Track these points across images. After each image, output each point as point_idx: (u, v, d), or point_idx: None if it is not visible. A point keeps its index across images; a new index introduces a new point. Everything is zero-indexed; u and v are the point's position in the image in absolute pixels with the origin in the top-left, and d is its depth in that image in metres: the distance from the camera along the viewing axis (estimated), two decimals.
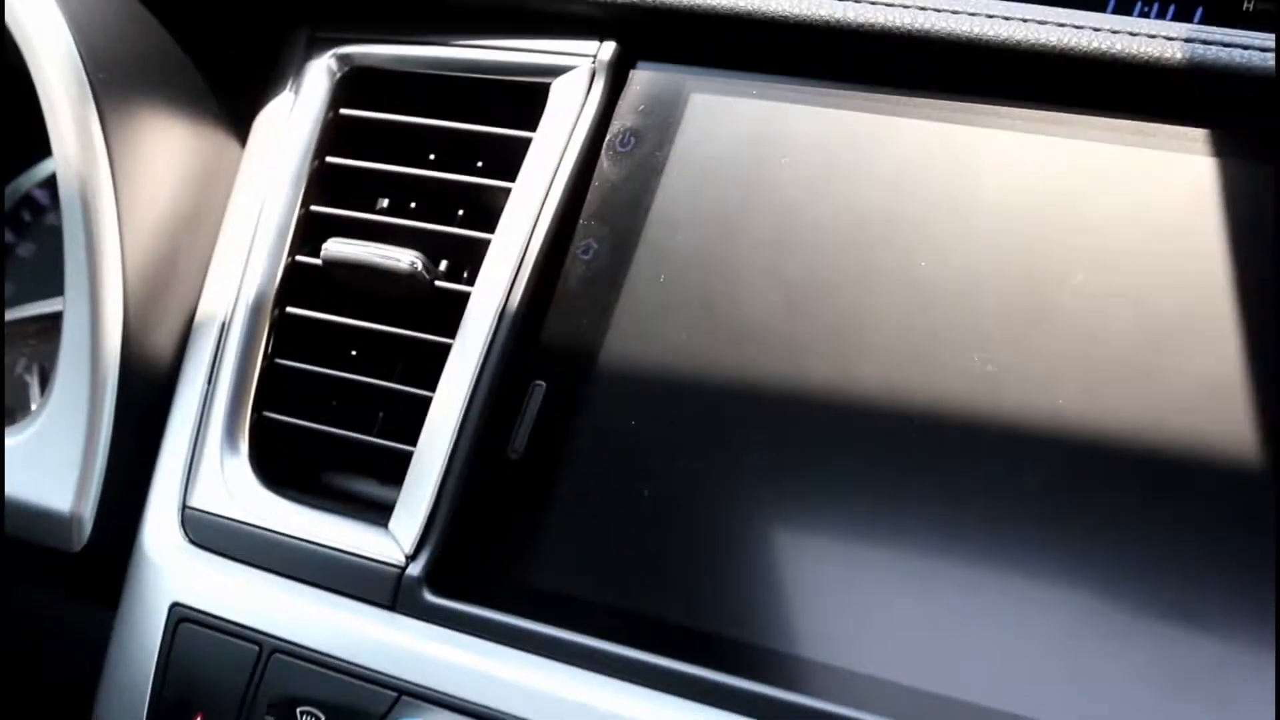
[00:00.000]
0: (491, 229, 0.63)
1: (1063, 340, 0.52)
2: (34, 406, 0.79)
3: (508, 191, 0.63)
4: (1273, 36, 0.52)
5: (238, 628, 0.62)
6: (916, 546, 0.52)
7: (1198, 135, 0.53)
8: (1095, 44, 0.54)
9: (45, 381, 0.80)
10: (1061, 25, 0.56)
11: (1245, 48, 0.52)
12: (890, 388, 0.54)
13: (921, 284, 0.55)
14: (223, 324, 0.68)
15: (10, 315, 0.85)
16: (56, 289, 0.69)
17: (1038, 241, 0.54)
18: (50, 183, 0.88)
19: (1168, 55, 0.53)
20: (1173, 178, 0.53)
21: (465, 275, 0.67)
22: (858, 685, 0.51)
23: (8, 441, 0.67)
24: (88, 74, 0.66)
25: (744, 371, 0.57)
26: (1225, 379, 0.49)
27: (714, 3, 0.61)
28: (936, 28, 0.57)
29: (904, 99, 0.60)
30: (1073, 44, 0.54)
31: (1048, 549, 0.50)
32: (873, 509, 0.53)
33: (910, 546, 0.52)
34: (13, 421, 0.70)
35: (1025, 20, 0.56)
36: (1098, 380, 0.51)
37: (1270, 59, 0.51)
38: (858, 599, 0.52)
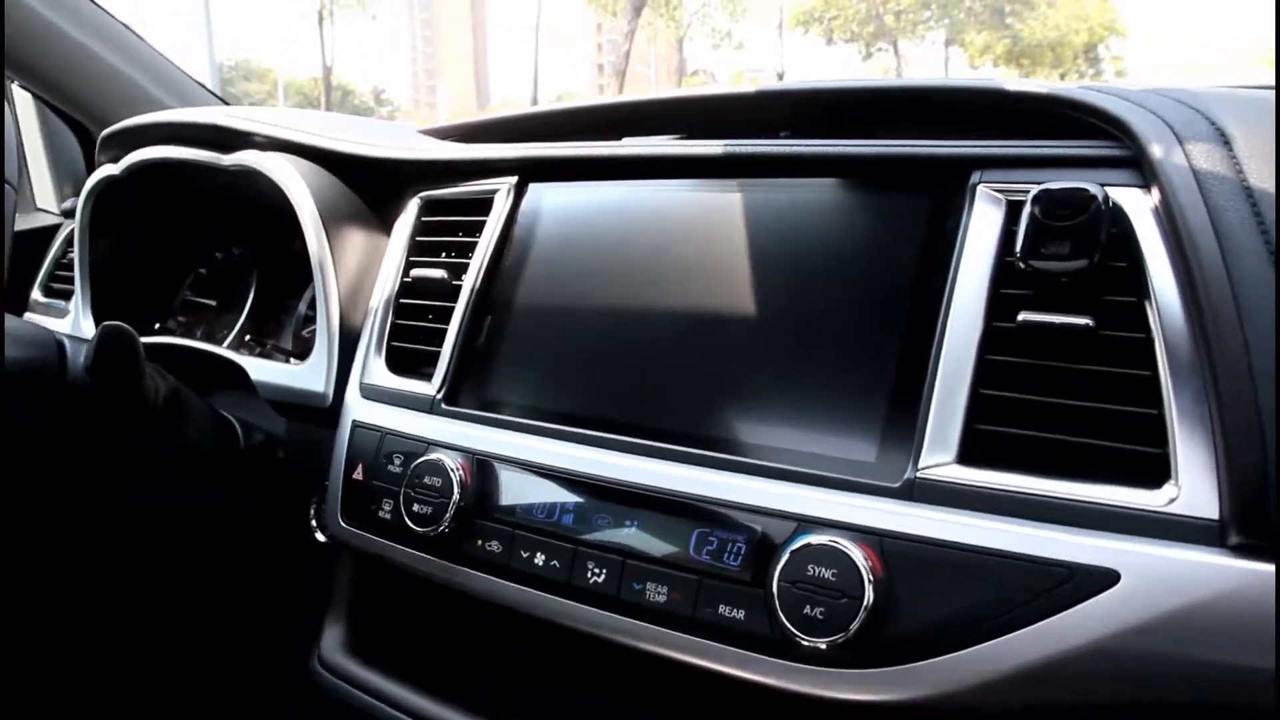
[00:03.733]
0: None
1: (716, 293, 1.10)
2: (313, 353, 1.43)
3: (475, 244, 1.37)
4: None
5: (373, 426, 1.27)
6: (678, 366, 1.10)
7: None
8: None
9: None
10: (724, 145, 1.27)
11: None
12: (651, 314, 1.13)
13: (669, 270, 1.13)
14: (375, 310, 1.43)
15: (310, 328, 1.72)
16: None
17: (714, 256, 1.12)
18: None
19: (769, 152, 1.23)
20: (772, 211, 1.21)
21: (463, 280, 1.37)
22: (679, 435, 1.05)
23: (300, 366, 1.48)
24: (320, 213, 1.39)
25: (579, 317, 1.19)
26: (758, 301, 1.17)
27: (552, 156, 1.34)
28: (673, 153, 1.24)
29: (663, 183, 1.20)
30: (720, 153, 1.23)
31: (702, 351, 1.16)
32: (658, 357, 1.11)
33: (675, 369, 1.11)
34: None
35: (690, 145, 1.24)
36: (721, 304, 1.11)
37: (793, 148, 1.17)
38: (637, 384, 1.12)
